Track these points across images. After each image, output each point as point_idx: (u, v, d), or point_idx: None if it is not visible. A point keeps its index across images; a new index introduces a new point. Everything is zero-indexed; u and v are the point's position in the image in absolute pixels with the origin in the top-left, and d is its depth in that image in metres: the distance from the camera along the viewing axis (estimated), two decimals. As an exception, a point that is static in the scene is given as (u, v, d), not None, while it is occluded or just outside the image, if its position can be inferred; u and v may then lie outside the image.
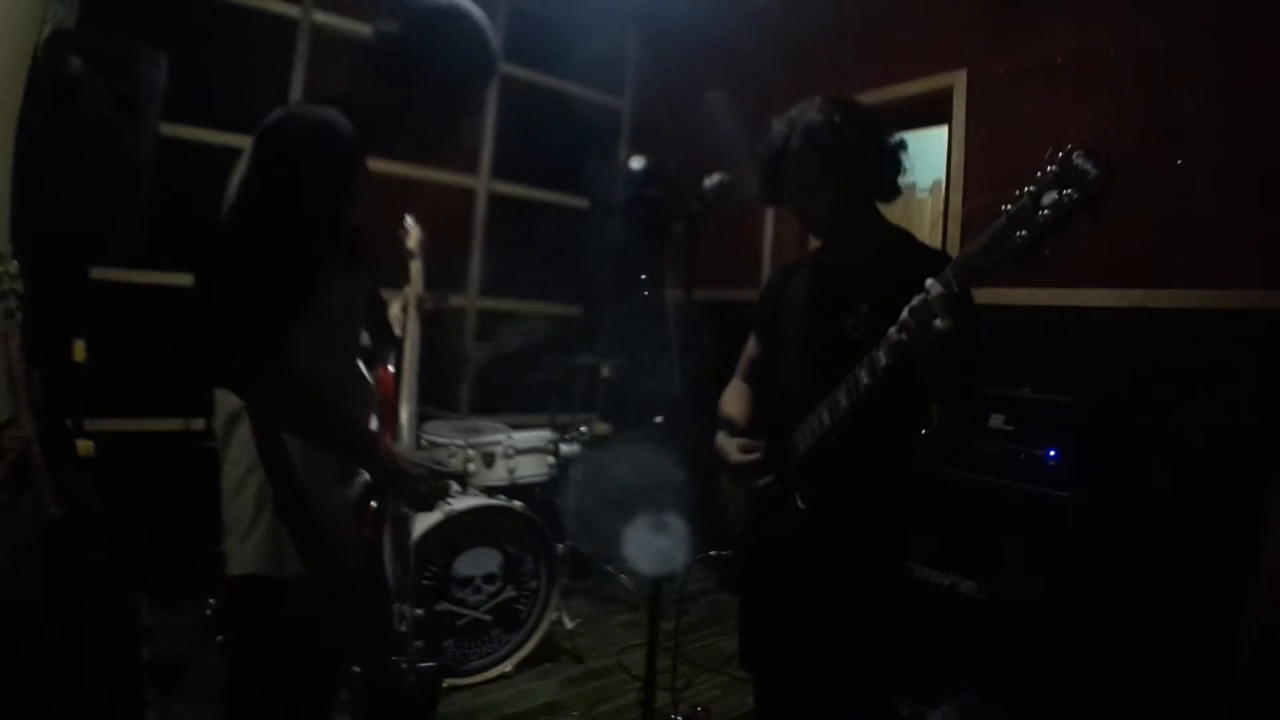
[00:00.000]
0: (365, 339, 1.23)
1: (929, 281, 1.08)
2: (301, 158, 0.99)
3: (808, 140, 1.37)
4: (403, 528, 1.24)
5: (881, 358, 1.19)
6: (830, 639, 1.37)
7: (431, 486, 1.16)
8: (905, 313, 1.10)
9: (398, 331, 1.54)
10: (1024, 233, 0.96)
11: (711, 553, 1.66)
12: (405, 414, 1.32)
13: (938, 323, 1.05)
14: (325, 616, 1.06)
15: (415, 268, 1.72)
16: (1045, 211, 0.94)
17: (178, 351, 0.94)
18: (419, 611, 1.25)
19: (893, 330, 1.15)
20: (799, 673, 1.47)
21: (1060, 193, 0.93)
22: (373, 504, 1.13)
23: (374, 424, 1.23)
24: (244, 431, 1.05)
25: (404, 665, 1.14)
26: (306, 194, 0.97)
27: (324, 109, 1.01)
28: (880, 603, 1.39)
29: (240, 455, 1.06)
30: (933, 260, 1.28)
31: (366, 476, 1.15)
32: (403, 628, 1.17)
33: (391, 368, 1.31)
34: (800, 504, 1.37)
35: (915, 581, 2.35)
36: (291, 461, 1.03)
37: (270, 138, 1.02)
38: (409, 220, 1.81)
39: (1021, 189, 0.98)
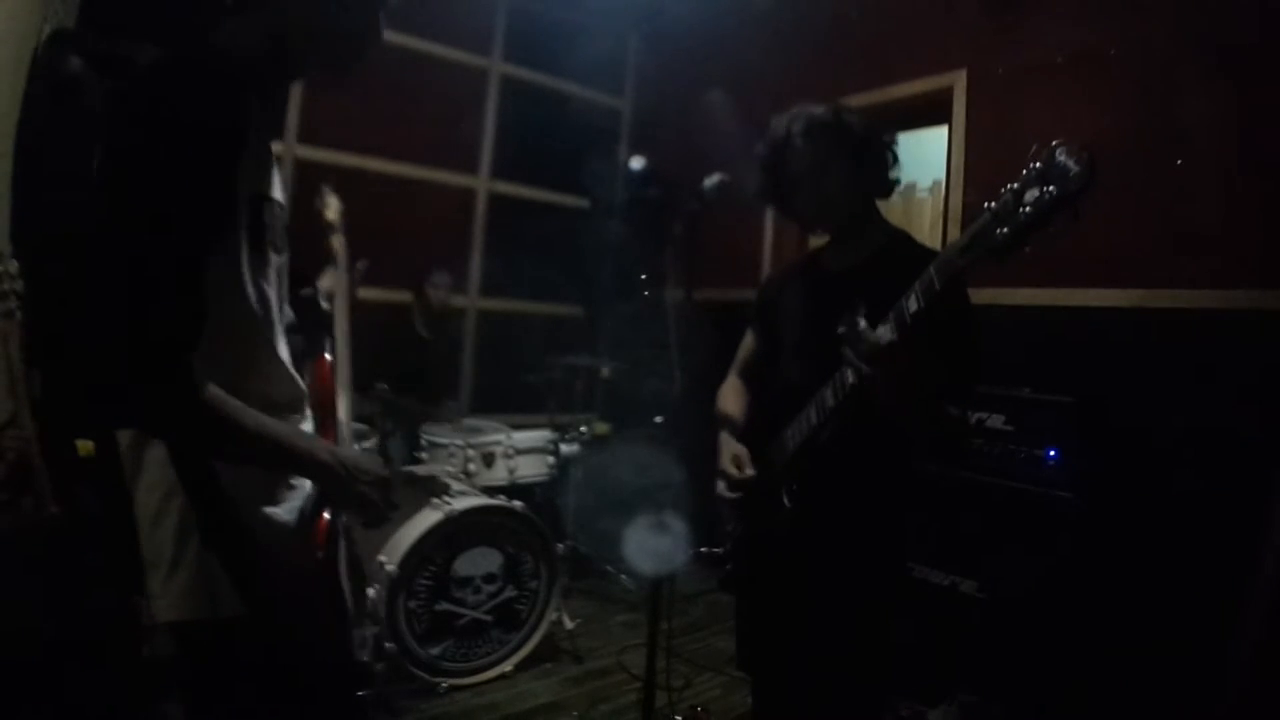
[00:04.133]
0: (288, 327, 1.07)
1: (842, 326, 1.13)
2: (170, 113, 0.80)
3: (812, 124, 1.39)
4: (351, 543, 1.12)
5: (850, 376, 1.21)
6: (822, 638, 1.37)
7: (380, 494, 1.00)
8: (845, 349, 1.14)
9: (325, 306, 1.42)
10: (1005, 229, 0.97)
11: (703, 549, 1.65)
12: (343, 407, 1.20)
13: (865, 369, 1.11)
14: (274, 652, 0.92)
15: (338, 242, 1.56)
16: (1027, 208, 0.95)
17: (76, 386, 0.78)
18: (375, 630, 1.14)
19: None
20: (794, 672, 1.47)
21: (1042, 189, 0.93)
22: (325, 516, 1.01)
23: (308, 423, 1.09)
24: (158, 451, 0.89)
25: (368, 698, 1.05)
26: (179, 157, 0.79)
27: (197, 54, 0.87)
28: (871, 601, 1.39)
29: (157, 479, 0.90)
30: (929, 259, 1.27)
31: (308, 489, 1.01)
32: (366, 656, 1.08)
33: (329, 356, 1.19)
34: (786, 502, 1.37)
35: (915, 581, 2.35)
36: (218, 480, 0.88)
37: (134, 99, 0.83)
38: (325, 189, 1.63)
39: (1005, 186, 0.98)
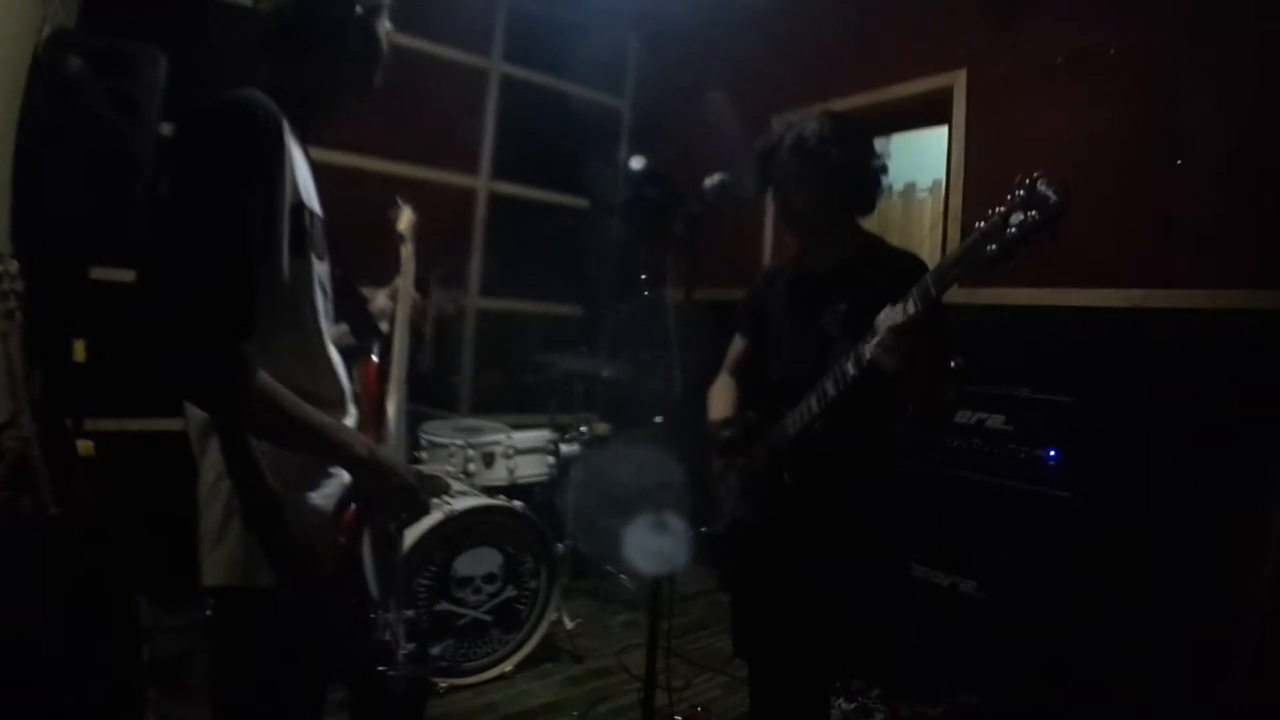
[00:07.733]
0: (334, 328, 1.16)
1: (880, 316, 1.26)
2: (216, 140, 0.95)
3: (798, 143, 1.53)
4: (386, 530, 1.19)
5: (866, 353, 1.32)
6: (814, 615, 1.48)
7: (415, 494, 1.10)
8: (874, 345, 1.27)
9: (384, 327, 1.46)
10: (994, 246, 1.13)
11: (703, 529, 1.76)
12: (393, 408, 1.25)
13: (900, 351, 1.23)
14: (301, 625, 1.03)
15: (406, 252, 1.59)
16: (1012, 229, 1.10)
17: (138, 364, 0.90)
18: (409, 613, 1.21)
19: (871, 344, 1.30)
20: (786, 651, 1.56)
21: (1026, 214, 1.09)
22: (351, 508, 1.09)
23: (351, 419, 1.16)
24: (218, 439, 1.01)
25: (390, 673, 1.11)
26: (226, 176, 0.93)
27: (242, 91, 0.98)
28: (861, 582, 1.51)
29: (213, 463, 1.02)
30: (902, 261, 1.51)
31: (345, 479, 1.09)
32: (387, 635, 1.14)
33: (376, 358, 1.25)
34: (788, 478, 1.51)
35: (915, 581, 2.35)
36: (261, 470, 0.99)
37: (185, 125, 0.99)
38: (400, 200, 1.68)
39: (993, 209, 1.14)
